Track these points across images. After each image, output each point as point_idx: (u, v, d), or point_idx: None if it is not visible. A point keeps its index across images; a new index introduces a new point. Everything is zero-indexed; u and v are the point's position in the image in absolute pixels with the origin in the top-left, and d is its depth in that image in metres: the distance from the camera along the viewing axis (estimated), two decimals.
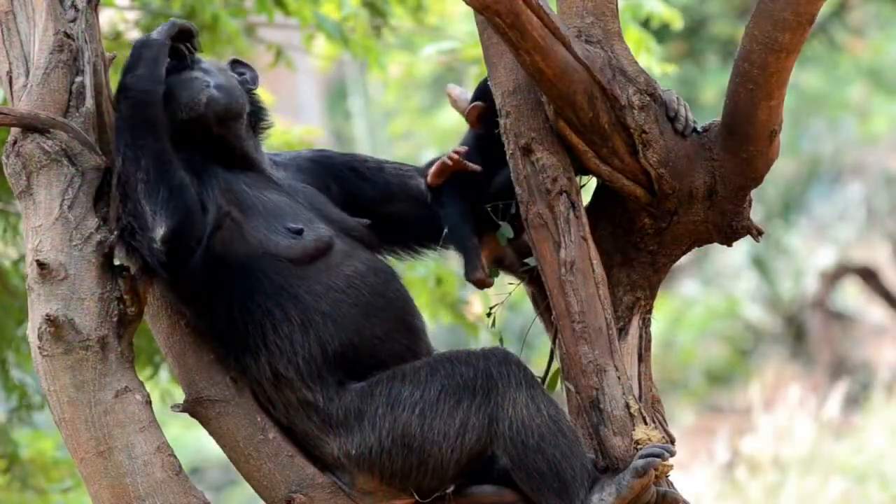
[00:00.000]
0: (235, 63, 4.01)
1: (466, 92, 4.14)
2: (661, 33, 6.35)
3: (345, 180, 4.00)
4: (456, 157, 3.91)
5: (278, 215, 3.79)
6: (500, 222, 3.89)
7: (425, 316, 4.03)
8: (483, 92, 3.93)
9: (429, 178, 3.95)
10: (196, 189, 3.70)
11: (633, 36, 5.91)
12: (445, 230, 3.93)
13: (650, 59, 5.94)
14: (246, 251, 3.73)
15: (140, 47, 3.77)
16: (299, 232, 3.77)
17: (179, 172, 3.67)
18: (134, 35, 5.92)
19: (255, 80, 4.00)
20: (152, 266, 3.68)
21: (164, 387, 5.91)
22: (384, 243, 3.99)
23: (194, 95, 3.80)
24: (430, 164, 4.00)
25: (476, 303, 6.35)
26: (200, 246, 3.68)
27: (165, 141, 3.70)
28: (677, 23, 6.08)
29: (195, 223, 3.66)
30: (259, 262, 3.72)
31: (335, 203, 3.95)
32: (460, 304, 6.18)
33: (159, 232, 3.62)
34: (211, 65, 3.92)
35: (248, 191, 3.80)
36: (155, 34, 3.79)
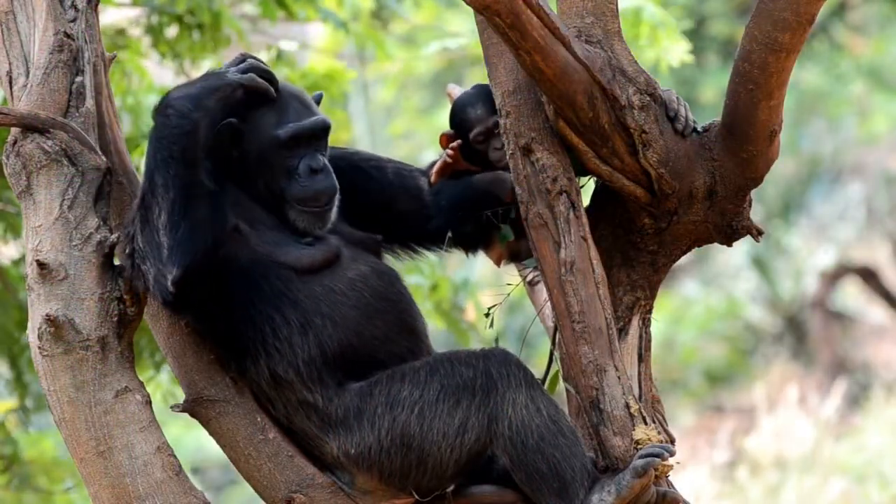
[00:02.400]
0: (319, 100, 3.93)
1: None
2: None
3: (349, 178, 3.99)
4: (453, 153, 3.93)
5: (287, 228, 3.79)
6: (501, 224, 3.90)
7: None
8: (457, 120, 3.98)
9: (432, 178, 3.97)
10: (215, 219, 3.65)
11: (645, 30, 5.91)
12: (442, 217, 3.94)
13: (662, 58, 5.93)
14: (250, 259, 3.72)
15: (207, 75, 3.71)
16: (310, 243, 3.77)
17: (204, 207, 3.60)
18: (135, 33, 5.91)
19: None
20: (154, 295, 3.66)
21: (166, 388, 5.90)
22: (384, 242, 3.99)
23: (319, 218, 3.77)
24: (433, 164, 4.02)
25: (470, 310, 6.35)
26: (208, 285, 3.65)
27: (199, 171, 3.61)
28: (678, 33, 6.09)
29: (209, 264, 3.61)
30: (262, 270, 3.72)
31: (341, 201, 3.94)
32: (455, 311, 6.18)
33: (172, 272, 3.56)
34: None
35: (258, 205, 3.79)
36: (233, 74, 3.69)
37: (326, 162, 3.80)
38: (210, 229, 3.61)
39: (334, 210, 3.82)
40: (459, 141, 3.96)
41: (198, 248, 3.58)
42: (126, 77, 5.73)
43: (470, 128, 3.94)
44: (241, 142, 3.76)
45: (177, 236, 3.58)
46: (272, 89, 3.75)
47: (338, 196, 3.82)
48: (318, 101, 3.91)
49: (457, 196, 3.93)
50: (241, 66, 3.74)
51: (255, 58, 3.78)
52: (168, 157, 3.60)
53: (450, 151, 3.95)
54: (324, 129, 3.81)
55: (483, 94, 3.96)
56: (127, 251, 3.68)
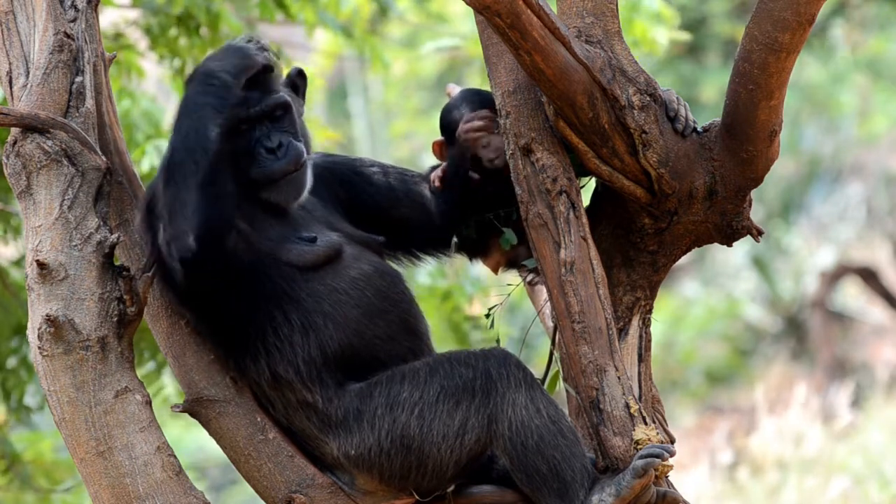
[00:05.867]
0: (297, 76, 3.93)
1: None
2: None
3: (351, 185, 4.00)
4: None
5: (290, 226, 3.79)
6: (503, 228, 3.90)
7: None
8: (446, 123, 4.00)
9: (434, 183, 3.98)
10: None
11: (639, 28, 5.93)
12: (443, 215, 3.96)
13: (655, 45, 5.94)
14: (252, 257, 3.72)
15: (234, 50, 3.72)
16: (312, 240, 3.78)
17: (231, 182, 3.61)
18: (134, 35, 5.92)
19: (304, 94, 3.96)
20: (166, 259, 3.63)
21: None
22: (388, 248, 3.99)
23: (288, 190, 3.77)
24: (433, 168, 4.03)
25: (478, 309, 6.36)
26: (218, 258, 3.64)
27: (228, 146, 3.63)
28: (675, 22, 6.09)
29: (227, 234, 3.62)
30: (264, 267, 3.72)
31: (342, 208, 3.95)
32: (467, 321, 6.18)
33: (194, 226, 3.54)
34: (297, 115, 3.85)
35: (258, 204, 3.79)
36: (255, 52, 3.73)
37: (284, 137, 3.79)
38: (234, 204, 3.62)
39: (307, 176, 3.81)
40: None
41: (221, 214, 3.58)
42: (125, 75, 5.73)
43: (455, 127, 3.97)
44: None
45: (206, 196, 3.55)
46: (279, 70, 3.80)
47: (307, 159, 3.81)
48: (292, 76, 3.92)
49: (450, 174, 3.95)
50: (257, 45, 3.76)
51: (258, 40, 3.81)
52: (212, 122, 3.59)
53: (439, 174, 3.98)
54: (276, 108, 3.80)
55: (466, 96, 4.02)
56: (148, 206, 3.66)
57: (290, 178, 3.78)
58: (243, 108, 3.75)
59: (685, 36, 6.11)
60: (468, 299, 6.20)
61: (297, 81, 3.92)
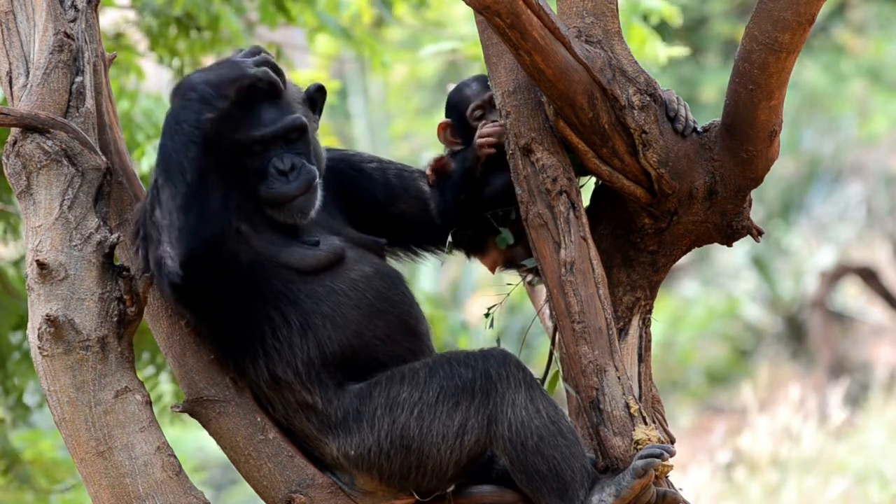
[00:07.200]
0: (316, 91, 3.89)
1: None
2: (662, 31, 6.33)
3: (350, 181, 3.99)
4: (444, 159, 3.95)
5: (292, 230, 3.78)
6: (500, 228, 3.90)
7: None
8: (454, 106, 3.97)
9: (429, 177, 3.97)
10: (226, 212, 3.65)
11: (637, 34, 5.92)
12: (440, 211, 3.95)
13: (655, 55, 5.93)
14: (251, 260, 3.71)
15: (225, 62, 3.71)
16: (315, 244, 3.77)
17: (217, 194, 3.60)
18: (135, 36, 5.92)
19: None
20: (157, 282, 3.65)
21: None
22: (387, 245, 3.99)
23: (294, 212, 3.75)
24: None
25: (475, 310, 6.36)
26: (211, 275, 3.64)
27: (214, 159, 3.61)
28: (676, 19, 6.07)
29: (217, 252, 3.61)
30: (262, 270, 3.71)
31: (341, 204, 3.95)
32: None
33: (179, 254, 3.56)
34: (312, 137, 3.82)
35: (260, 207, 3.79)
36: (251, 67, 3.69)
37: (297, 160, 3.77)
38: (221, 218, 3.61)
39: (316, 197, 3.80)
40: (444, 159, 3.96)
41: (206, 235, 3.58)
42: (124, 73, 5.73)
43: (466, 105, 3.94)
44: (218, 139, 3.72)
45: (190, 218, 3.56)
46: (282, 85, 3.75)
47: (318, 182, 3.80)
48: (311, 92, 3.89)
49: (458, 174, 3.93)
50: (256, 58, 3.74)
51: (267, 52, 3.78)
52: (189, 141, 3.59)
53: (444, 157, 3.96)
54: (291, 130, 3.78)
55: (478, 77, 4.00)
56: (141, 234, 3.67)
57: (298, 201, 3.77)
58: (257, 128, 3.72)
59: (683, 51, 6.08)
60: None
61: (316, 97, 3.88)
